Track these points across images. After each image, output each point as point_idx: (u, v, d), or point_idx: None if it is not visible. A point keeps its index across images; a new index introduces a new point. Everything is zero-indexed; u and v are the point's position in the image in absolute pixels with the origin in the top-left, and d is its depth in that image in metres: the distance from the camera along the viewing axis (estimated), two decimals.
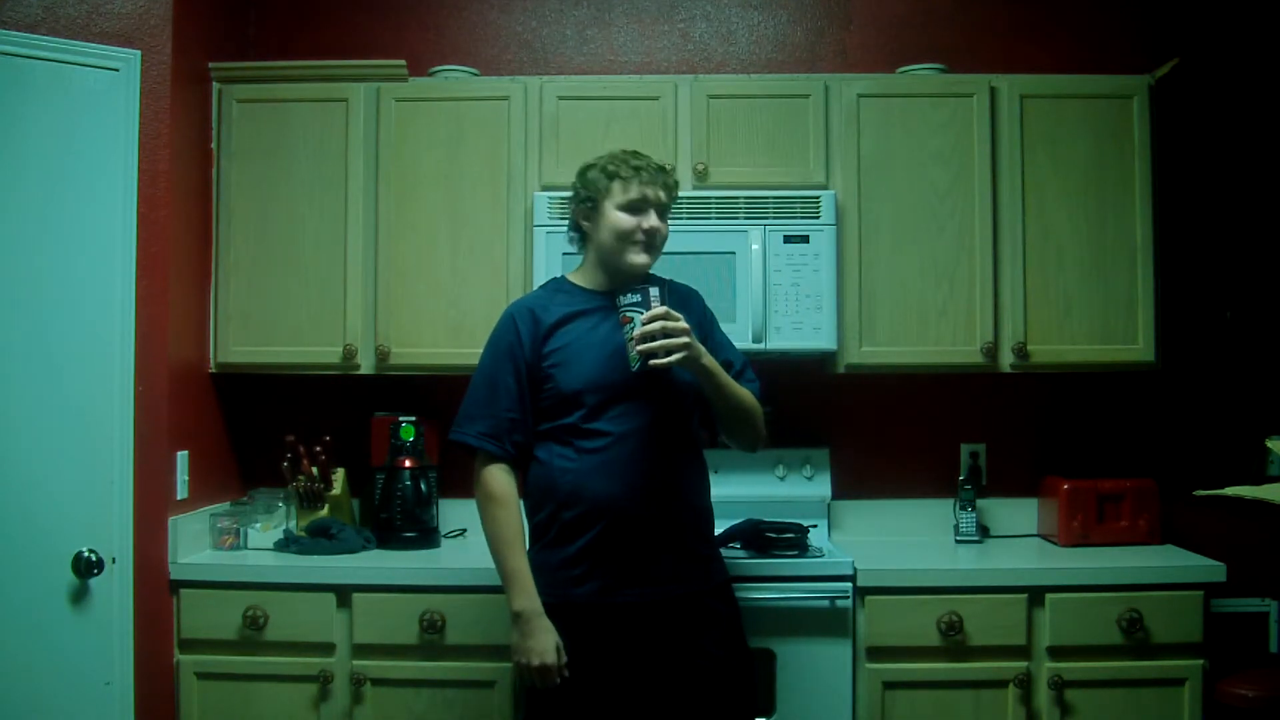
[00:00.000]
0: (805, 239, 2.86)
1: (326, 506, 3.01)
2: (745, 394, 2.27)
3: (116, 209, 2.55)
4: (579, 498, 2.15)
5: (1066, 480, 2.97)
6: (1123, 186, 2.92)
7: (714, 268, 2.82)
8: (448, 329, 2.93)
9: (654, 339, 2.06)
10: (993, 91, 2.94)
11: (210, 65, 2.95)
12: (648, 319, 2.08)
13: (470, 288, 2.93)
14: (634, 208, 2.18)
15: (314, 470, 2.99)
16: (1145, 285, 2.91)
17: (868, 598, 2.63)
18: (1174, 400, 3.19)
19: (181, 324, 2.80)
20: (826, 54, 3.30)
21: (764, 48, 3.32)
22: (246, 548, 2.90)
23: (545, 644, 2.10)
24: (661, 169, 2.23)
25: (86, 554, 2.44)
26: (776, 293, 2.85)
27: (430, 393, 3.10)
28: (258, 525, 2.93)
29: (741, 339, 2.75)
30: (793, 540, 2.75)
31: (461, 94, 3.00)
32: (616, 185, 2.19)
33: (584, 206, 2.25)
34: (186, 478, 2.79)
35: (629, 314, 2.11)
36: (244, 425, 3.17)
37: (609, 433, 2.16)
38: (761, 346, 2.82)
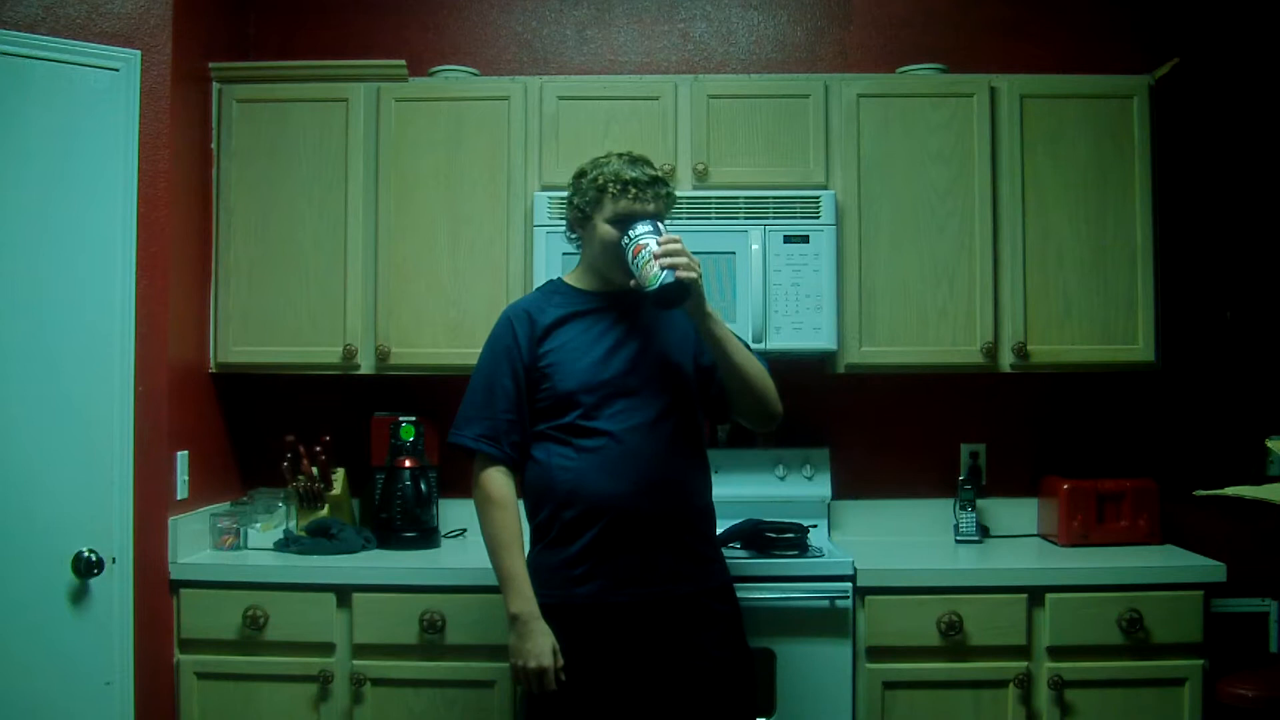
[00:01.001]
0: (805, 239, 2.86)
1: (326, 506, 3.01)
2: (753, 358, 2.25)
3: (116, 209, 2.55)
4: (578, 497, 2.14)
5: (1066, 480, 2.97)
6: (1123, 186, 2.92)
7: (714, 268, 2.82)
8: (447, 329, 2.93)
9: (677, 255, 2.07)
10: (993, 91, 2.94)
11: (210, 65, 2.95)
12: (667, 239, 2.09)
13: (470, 288, 2.93)
14: (621, 223, 2.17)
15: (314, 470, 2.99)
16: (1145, 285, 2.91)
17: (868, 598, 2.63)
18: (1174, 400, 3.19)
19: (181, 324, 2.80)
20: (826, 54, 3.30)
21: (764, 48, 3.32)
22: (246, 548, 2.90)
23: (541, 646, 2.10)
24: (654, 180, 2.20)
25: (86, 554, 2.43)
26: (776, 293, 2.85)
27: (430, 393, 3.10)
28: (258, 525, 2.93)
29: (741, 339, 2.75)
30: (793, 540, 2.75)
31: (461, 94, 3.00)
32: (606, 200, 2.18)
33: (577, 215, 2.25)
34: (186, 478, 2.79)
35: (643, 240, 2.10)
36: (244, 425, 3.17)
37: (607, 431, 2.15)
38: (761, 346, 2.82)
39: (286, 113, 2.97)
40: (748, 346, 2.28)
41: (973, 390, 3.18)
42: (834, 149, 2.94)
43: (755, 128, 2.94)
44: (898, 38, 3.27)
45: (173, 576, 2.69)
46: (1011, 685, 2.61)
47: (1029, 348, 2.90)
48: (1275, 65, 3.17)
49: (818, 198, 2.87)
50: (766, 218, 2.86)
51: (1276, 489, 2.02)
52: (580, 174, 2.26)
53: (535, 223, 2.87)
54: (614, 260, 2.18)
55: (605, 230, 2.19)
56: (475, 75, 3.13)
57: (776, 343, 2.84)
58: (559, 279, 2.35)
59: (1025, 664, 2.62)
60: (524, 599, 2.13)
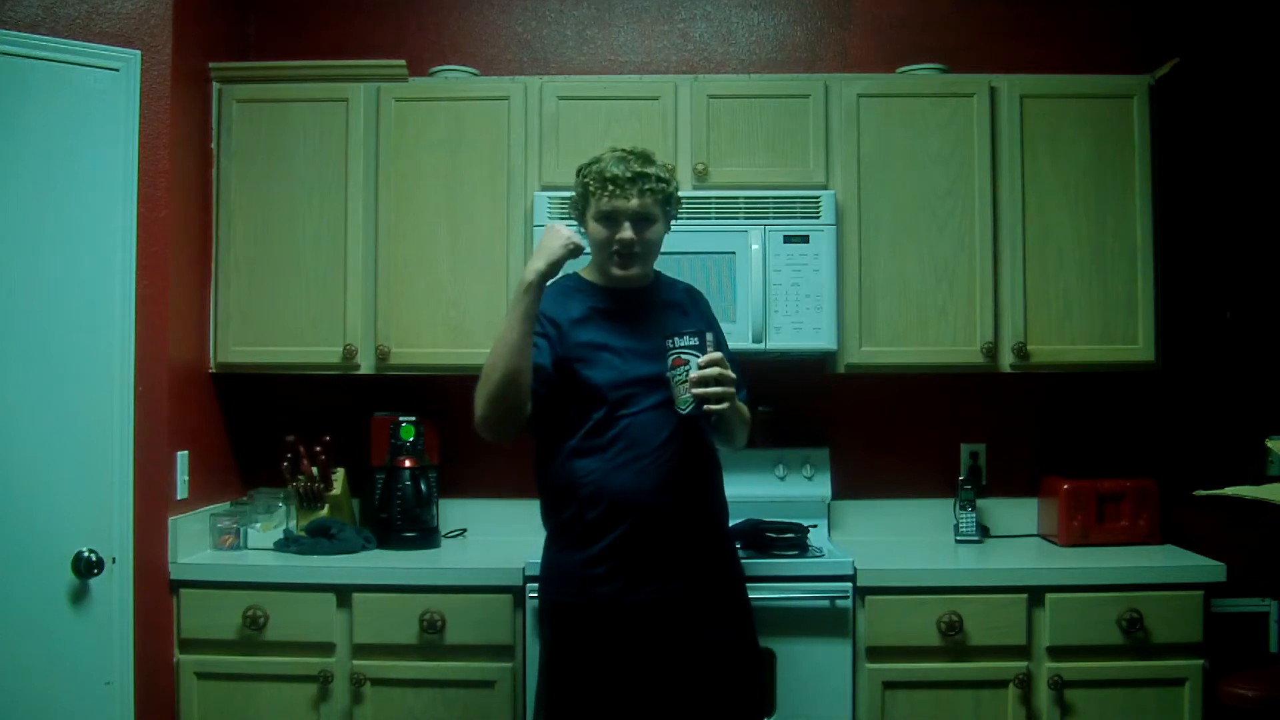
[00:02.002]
0: (805, 239, 2.86)
1: (326, 506, 3.01)
2: (744, 409, 2.32)
3: (116, 209, 2.55)
4: (602, 496, 2.14)
5: (1066, 480, 2.97)
6: (1123, 186, 2.92)
7: (714, 268, 2.82)
8: (447, 329, 2.93)
9: (709, 384, 2.07)
10: (993, 91, 2.94)
11: (210, 65, 2.95)
12: (706, 363, 2.08)
13: (470, 288, 2.93)
14: (606, 219, 2.19)
15: (314, 470, 2.99)
16: (1145, 285, 2.91)
17: (868, 598, 2.63)
18: (1174, 400, 3.19)
19: (181, 324, 2.80)
20: (826, 54, 3.30)
21: (764, 48, 3.32)
22: (246, 548, 2.90)
23: (559, 231, 2.13)
24: (640, 176, 2.18)
25: (86, 554, 2.44)
26: (776, 293, 2.84)
27: (430, 393, 3.10)
28: (258, 525, 2.93)
29: (741, 339, 2.75)
30: (793, 540, 2.75)
31: (461, 94, 3.00)
32: (591, 198, 2.21)
33: (574, 212, 2.29)
34: (186, 478, 2.79)
35: (684, 356, 2.10)
36: (244, 425, 3.17)
37: (630, 431, 2.16)
38: (761, 346, 2.82)
39: (286, 113, 2.97)
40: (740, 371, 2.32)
41: (973, 390, 3.18)
42: (834, 149, 2.94)
43: (755, 128, 2.94)
44: (898, 38, 3.27)
45: (173, 576, 2.69)
46: (1011, 685, 2.61)
47: (1029, 348, 2.90)
48: (1275, 65, 3.17)
49: (818, 198, 2.87)
50: (766, 218, 2.86)
51: (1276, 489, 2.02)
52: (577, 171, 2.28)
53: (535, 223, 2.87)
54: (604, 257, 2.22)
55: (593, 227, 2.23)
56: (475, 75, 3.13)
57: (776, 343, 2.84)
58: (574, 274, 2.34)
59: (1025, 664, 2.62)
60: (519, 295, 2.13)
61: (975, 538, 3.03)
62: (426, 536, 2.99)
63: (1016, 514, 3.17)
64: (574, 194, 2.27)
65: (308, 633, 2.66)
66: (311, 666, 2.65)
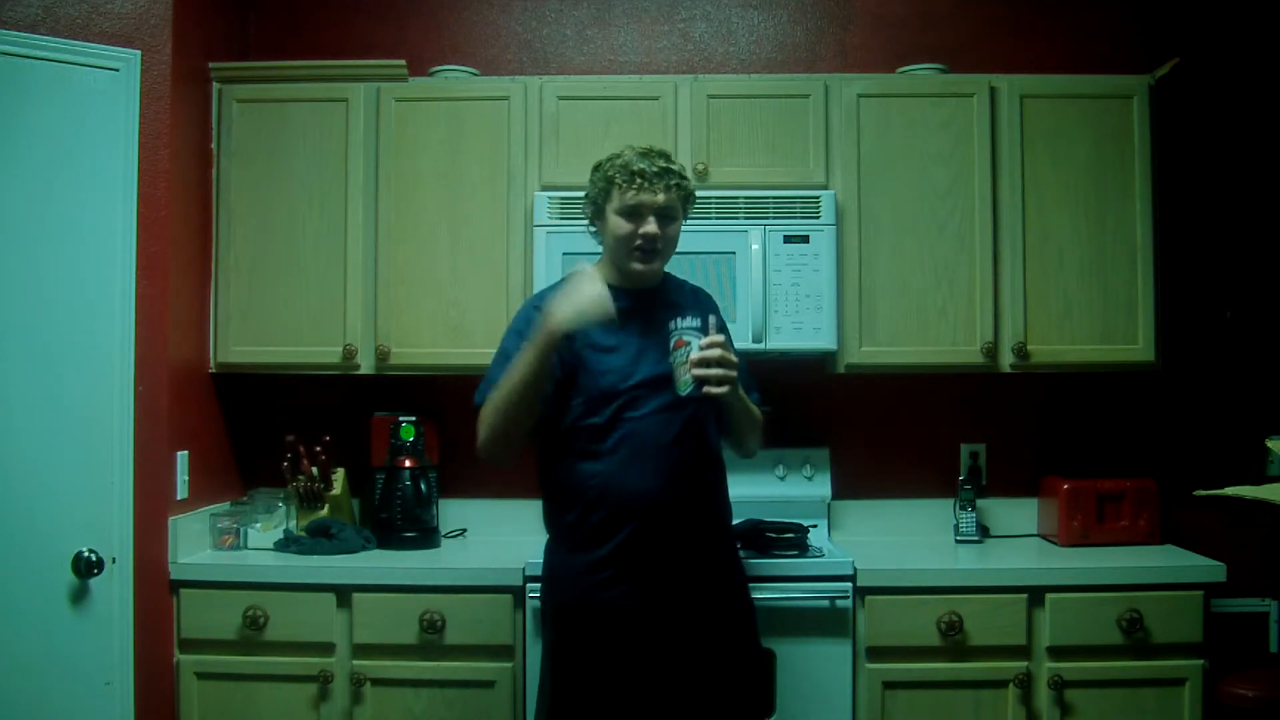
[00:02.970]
0: (805, 239, 2.86)
1: (326, 506, 3.01)
2: (755, 409, 2.31)
3: (116, 209, 2.55)
4: (607, 497, 2.14)
5: (1066, 480, 2.97)
6: (1123, 186, 2.92)
7: (714, 268, 2.82)
8: (447, 329, 2.93)
9: (711, 365, 2.05)
10: (993, 91, 2.94)
11: (210, 65, 2.95)
12: (708, 344, 2.06)
13: (470, 288, 2.93)
14: (631, 213, 2.17)
15: (314, 470, 2.99)
16: (1145, 285, 2.91)
17: (868, 598, 2.63)
18: (1174, 400, 3.19)
19: (181, 324, 2.80)
20: (826, 54, 3.30)
21: (764, 48, 3.32)
22: (246, 548, 2.90)
23: (588, 284, 2.05)
24: (665, 171, 2.20)
25: (86, 554, 2.44)
26: (776, 293, 2.84)
27: (430, 393, 3.10)
28: (258, 525, 2.93)
29: (741, 339, 2.75)
30: (793, 540, 2.75)
31: (461, 94, 3.00)
32: (615, 191, 2.19)
33: (592, 208, 2.26)
34: (186, 478, 2.79)
35: (686, 337, 2.09)
36: (244, 425, 3.17)
37: (635, 432, 2.15)
38: (761, 346, 2.82)
39: (286, 113, 2.97)
40: (749, 374, 2.35)
41: (973, 390, 3.18)
42: (834, 149, 2.94)
43: (755, 128, 2.94)
44: (898, 38, 3.27)
45: (173, 576, 2.69)
46: (1011, 685, 2.61)
47: (1029, 348, 2.90)
48: (1275, 65, 3.17)
49: (818, 198, 2.87)
50: (766, 218, 2.86)
51: (1276, 489, 2.02)
52: (595, 167, 2.27)
53: (535, 223, 2.87)
54: (625, 252, 2.19)
55: (615, 222, 2.19)
56: (475, 75, 3.13)
57: (776, 343, 2.84)
58: None
59: (1025, 664, 2.62)
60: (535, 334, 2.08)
61: (975, 538, 3.03)
62: (426, 536, 2.99)
63: (1016, 514, 3.17)
64: (591, 189, 2.25)
65: (308, 633, 2.66)
66: (311, 666, 2.65)
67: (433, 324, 2.94)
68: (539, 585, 2.33)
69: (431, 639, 2.63)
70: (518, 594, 2.63)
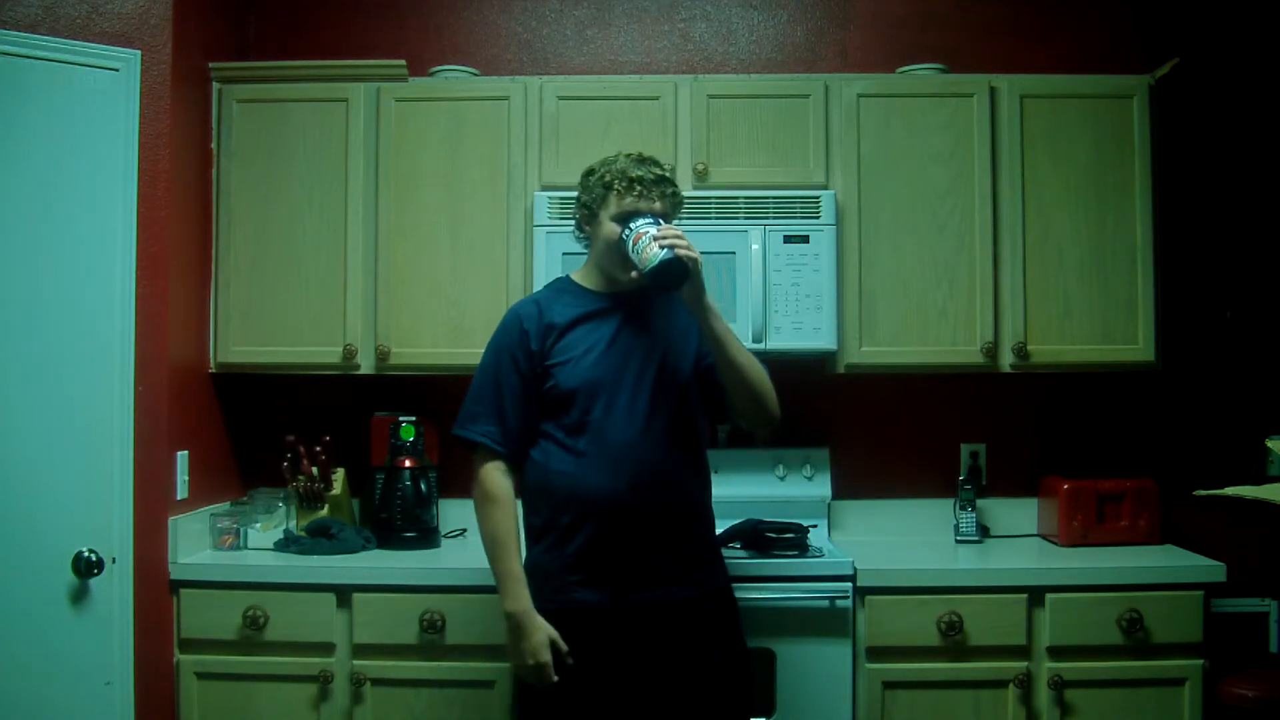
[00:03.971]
0: (805, 239, 2.86)
1: (326, 506, 3.01)
2: (753, 358, 2.23)
3: (116, 209, 2.55)
4: (574, 498, 2.14)
5: (1066, 480, 2.97)
6: (1123, 186, 2.92)
7: (714, 268, 2.81)
8: (447, 329, 2.93)
9: (676, 238, 2.07)
10: (993, 91, 2.94)
11: (210, 65, 2.95)
12: (666, 227, 2.10)
13: (470, 288, 2.93)
14: (627, 219, 2.17)
15: (314, 470, 2.99)
16: (1145, 285, 2.91)
17: (868, 598, 2.63)
18: (1174, 400, 3.19)
19: (181, 324, 2.80)
20: (826, 54, 3.30)
21: (764, 48, 3.32)
22: (246, 548, 2.90)
23: (538, 641, 2.11)
24: (661, 179, 2.21)
25: (86, 554, 2.43)
26: (776, 293, 2.85)
27: (430, 393, 3.10)
28: (258, 525, 2.93)
29: (742, 339, 2.70)
30: (793, 540, 2.75)
31: (461, 94, 3.00)
32: (612, 197, 2.19)
33: (584, 212, 2.26)
34: (186, 478, 2.79)
35: (644, 230, 2.11)
36: (244, 425, 3.17)
37: (603, 429, 2.15)
38: (761, 346, 2.82)
39: (286, 113, 2.97)
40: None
41: (973, 390, 3.18)
42: (834, 149, 2.94)
43: (755, 128, 2.94)
44: (898, 38, 3.27)
45: (173, 576, 2.69)
46: (1011, 685, 2.61)
47: (1029, 348, 2.90)
48: (1275, 65, 3.17)
49: (818, 198, 2.87)
50: (766, 218, 2.86)
51: (1276, 489, 2.02)
52: (589, 172, 2.27)
53: (535, 223, 2.87)
54: (618, 257, 2.18)
55: (610, 228, 2.19)
56: (475, 75, 3.13)
57: (776, 343, 2.84)
58: (566, 277, 2.35)
59: (1025, 664, 2.62)
60: (518, 598, 2.14)
61: (975, 538, 3.03)
62: (426, 536, 2.99)
63: (1016, 514, 3.17)
64: (585, 194, 2.25)
65: (308, 633, 2.66)
66: (311, 666, 2.65)
67: (433, 324, 2.94)
68: None
69: (432, 639, 2.63)
70: None
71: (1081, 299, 2.91)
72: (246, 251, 2.97)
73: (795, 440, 3.13)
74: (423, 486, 2.99)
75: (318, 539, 2.86)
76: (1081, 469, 3.12)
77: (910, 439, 3.22)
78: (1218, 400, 3.18)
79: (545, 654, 2.10)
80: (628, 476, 2.13)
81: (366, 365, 2.95)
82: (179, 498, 2.75)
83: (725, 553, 2.52)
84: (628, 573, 2.15)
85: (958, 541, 3.03)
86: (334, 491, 3.03)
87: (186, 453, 2.80)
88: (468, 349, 2.84)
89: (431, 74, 3.12)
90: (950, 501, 3.09)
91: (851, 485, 3.18)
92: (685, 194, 2.81)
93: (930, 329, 2.91)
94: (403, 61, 3.03)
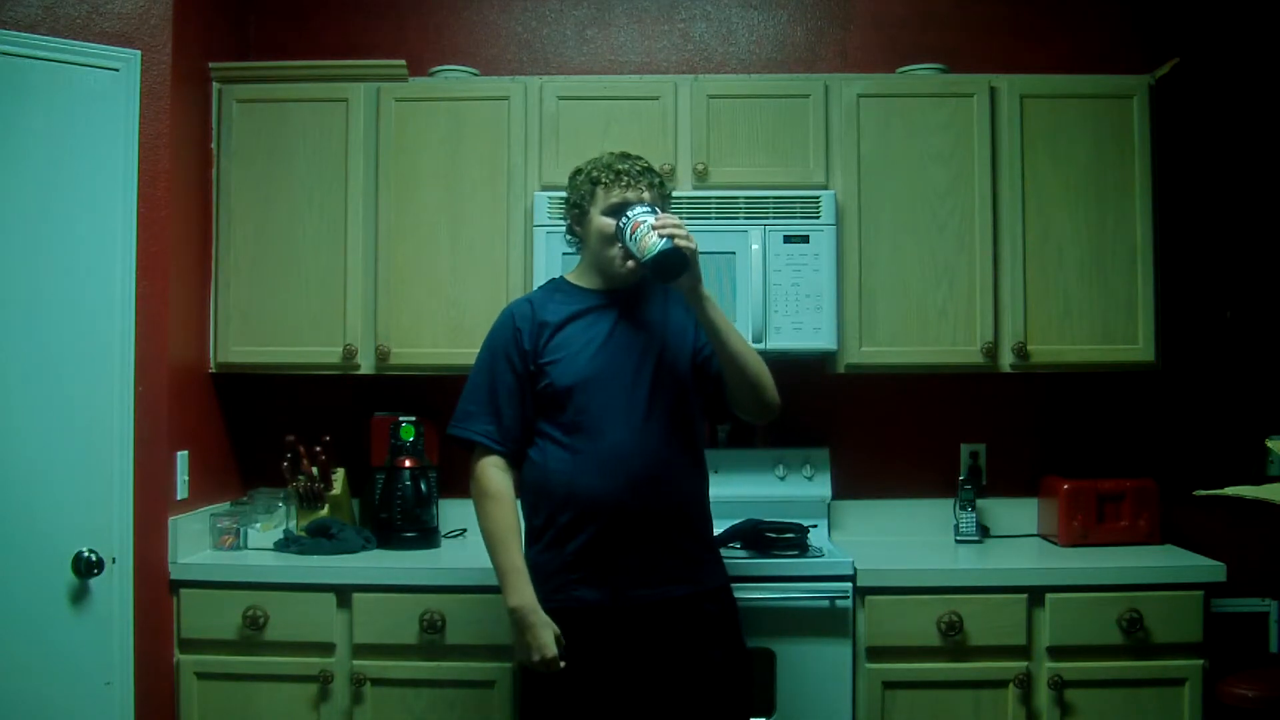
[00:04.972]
0: (805, 239, 2.86)
1: (326, 506, 3.01)
2: (751, 348, 2.22)
3: (116, 209, 2.55)
4: (573, 497, 2.14)
5: (1066, 480, 2.97)
6: (1123, 186, 2.92)
7: (714, 268, 2.81)
8: (447, 329, 2.93)
9: (675, 227, 2.07)
10: (993, 91, 2.94)
11: (210, 65, 2.95)
12: (663, 216, 2.11)
13: (470, 288, 2.93)
14: (617, 211, 2.18)
15: (314, 470, 2.99)
16: (1145, 285, 2.91)
17: (868, 598, 2.63)
18: (1174, 400, 3.19)
19: (181, 324, 2.80)
20: (826, 54, 3.30)
21: (764, 48, 3.32)
22: (246, 548, 2.90)
23: (544, 638, 2.11)
24: (646, 170, 2.23)
25: (86, 554, 2.44)
26: (776, 293, 2.85)
27: (430, 393, 3.10)
28: (258, 525, 2.93)
29: None
30: (793, 540, 2.75)
31: (461, 94, 3.00)
32: (600, 190, 2.21)
33: (574, 212, 2.27)
34: (186, 478, 2.79)
35: (641, 218, 2.11)
36: (244, 425, 3.17)
37: (600, 428, 2.15)
38: (761, 346, 2.81)
39: (286, 113, 2.97)
40: None
41: (973, 390, 3.18)
42: (834, 149, 2.94)
43: (755, 128, 2.94)
44: (898, 38, 3.27)
45: (173, 576, 2.69)
46: (1011, 685, 2.61)
47: (1029, 348, 2.90)
48: (1275, 65, 3.17)
49: (818, 198, 2.87)
50: (766, 218, 2.86)
51: (1276, 489, 2.02)
52: (575, 172, 2.29)
53: (535, 223, 2.87)
54: (615, 248, 2.19)
55: (601, 221, 2.20)
56: (475, 75, 3.13)
57: (776, 343, 2.84)
58: (560, 278, 2.36)
59: (1025, 664, 2.62)
60: (521, 593, 2.13)
61: (975, 538, 3.03)
62: (426, 536, 2.99)
63: (1016, 514, 3.17)
64: (573, 193, 2.26)
65: (308, 633, 2.66)
66: (311, 666, 2.65)
67: (433, 324, 2.94)
68: None
69: (432, 639, 2.63)
70: None
71: (1081, 299, 2.91)
72: (246, 251, 2.97)
73: (795, 440, 3.13)
74: (423, 486, 2.99)
75: (318, 539, 2.86)
76: (1081, 469, 3.12)
77: (910, 439, 3.22)
78: (1218, 400, 3.18)
79: (551, 649, 2.10)
80: (625, 475, 2.13)
81: (366, 365, 2.95)
82: (179, 498, 2.76)
83: (725, 553, 2.52)
84: (627, 571, 2.15)
85: (958, 541, 3.04)
86: (334, 491, 3.03)
87: (186, 453, 2.80)
88: (468, 349, 2.81)
89: (431, 74, 3.12)
90: (950, 501, 3.09)
91: (851, 485, 3.18)
92: (685, 194, 2.85)
93: (930, 329, 2.91)
94: (403, 61, 3.03)
